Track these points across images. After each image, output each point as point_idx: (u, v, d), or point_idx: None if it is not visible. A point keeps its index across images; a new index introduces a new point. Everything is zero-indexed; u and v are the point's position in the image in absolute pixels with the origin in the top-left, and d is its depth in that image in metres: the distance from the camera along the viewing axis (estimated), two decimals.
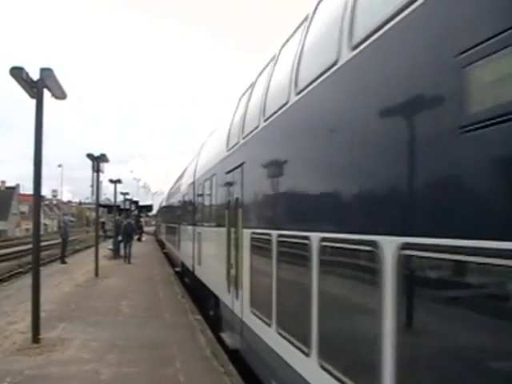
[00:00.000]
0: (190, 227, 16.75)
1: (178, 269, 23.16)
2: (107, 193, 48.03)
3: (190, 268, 16.15)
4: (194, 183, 15.94)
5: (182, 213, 21.37)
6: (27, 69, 8.98)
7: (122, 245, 29.78)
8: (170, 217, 31.02)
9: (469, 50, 2.55)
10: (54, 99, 9.78)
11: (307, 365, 4.78)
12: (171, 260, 29.66)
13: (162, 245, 43.85)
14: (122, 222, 32.44)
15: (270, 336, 6.18)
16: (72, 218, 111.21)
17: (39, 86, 9.29)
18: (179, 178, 26.19)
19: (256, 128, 7.24)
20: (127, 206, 43.00)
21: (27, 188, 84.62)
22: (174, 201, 27.33)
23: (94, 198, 22.52)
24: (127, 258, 27.66)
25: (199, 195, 14.39)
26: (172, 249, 28.38)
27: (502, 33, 2.32)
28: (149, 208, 68.80)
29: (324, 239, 4.49)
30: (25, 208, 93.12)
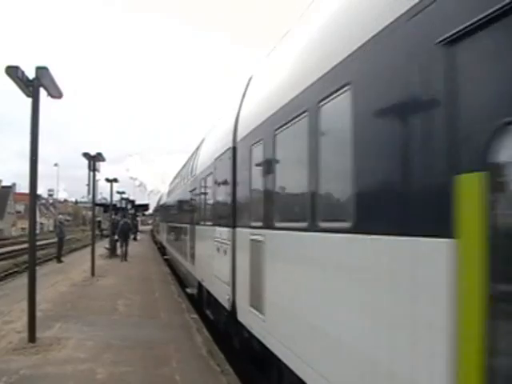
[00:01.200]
0: (221, 230, 9.46)
1: (190, 291, 15.53)
2: (103, 192, 48.17)
3: (226, 304, 8.93)
4: (232, 151, 8.68)
5: (200, 207, 13.31)
6: (23, 67, 8.96)
7: (118, 244, 30.35)
8: (176, 214, 22.00)
9: None
10: (50, 98, 9.76)
11: None
12: (176, 271, 22.58)
13: (161, 248, 37.25)
14: (118, 221, 32.94)
15: None
16: (68, 217, 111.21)
17: (35, 84, 9.24)
18: (191, 159, 17.84)
19: None
20: (123, 205, 42.97)
21: (23, 187, 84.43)
22: (183, 191, 19.10)
23: (90, 197, 22.50)
24: (124, 256, 28.26)
25: (247, 168, 7.56)
26: (180, 260, 19.29)
27: None
28: (145, 207, 68.75)
29: None
30: (21, 207, 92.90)
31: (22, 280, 13.91)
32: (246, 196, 7.78)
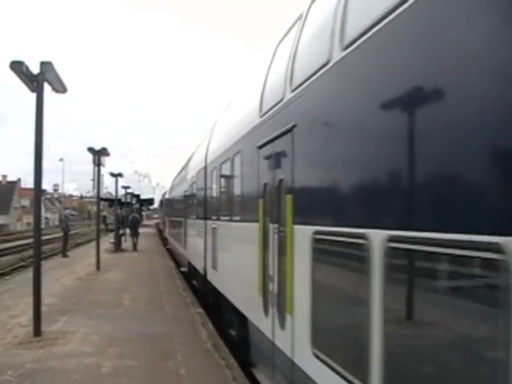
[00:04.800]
0: None
1: None
2: (108, 186, 48.30)
3: None
4: None
5: None
6: (27, 62, 8.98)
7: (123, 238, 32.14)
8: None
9: None
10: (54, 93, 9.78)
11: None
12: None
13: (185, 273, 19.92)
14: (123, 215, 33.92)
15: None
16: (73, 212, 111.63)
17: (39, 79, 9.26)
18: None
19: None
20: (128, 200, 43.05)
21: (29, 182, 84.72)
22: None
23: (96, 191, 22.56)
24: (134, 246, 30.79)
25: None
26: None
27: None
28: (150, 201, 68.82)
29: None
30: (26, 202, 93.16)
31: (28, 274, 13.97)
32: None
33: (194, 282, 16.68)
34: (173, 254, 29.15)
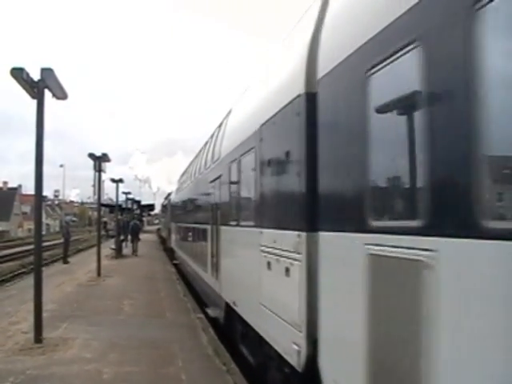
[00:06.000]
0: None
1: None
2: (109, 192, 48.36)
3: None
4: None
5: None
6: (28, 69, 8.99)
7: (124, 244, 32.60)
8: None
9: None
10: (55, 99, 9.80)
11: None
12: None
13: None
14: (123, 221, 34.48)
15: None
16: (74, 218, 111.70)
17: (40, 86, 9.27)
18: None
19: None
20: (129, 206, 43.09)
21: (29, 188, 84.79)
22: None
23: (96, 197, 22.58)
24: (135, 251, 31.89)
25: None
26: None
27: None
28: (151, 207, 68.79)
29: None
30: (27, 208, 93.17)
31: (29, 281, 13.98)
32: None
33: (244, 350, 8.80)
34: (181, 268, 23.19)
